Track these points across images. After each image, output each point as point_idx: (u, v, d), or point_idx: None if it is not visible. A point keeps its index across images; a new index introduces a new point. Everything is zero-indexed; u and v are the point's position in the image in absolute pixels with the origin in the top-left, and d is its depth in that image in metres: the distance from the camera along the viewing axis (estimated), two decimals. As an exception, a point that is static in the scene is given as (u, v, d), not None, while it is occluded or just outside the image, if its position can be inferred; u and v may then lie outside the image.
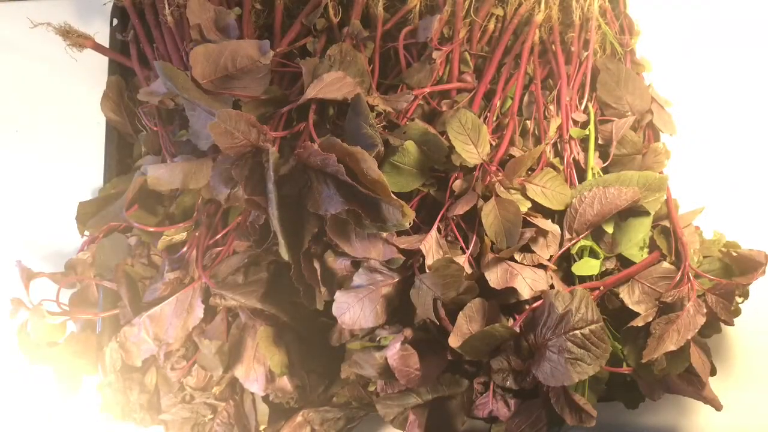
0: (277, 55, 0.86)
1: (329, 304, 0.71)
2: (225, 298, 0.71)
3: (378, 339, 0.66)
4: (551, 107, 0.86)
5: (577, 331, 0.66)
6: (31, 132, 1.09)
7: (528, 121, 0.86)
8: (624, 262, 0.80)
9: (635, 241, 0.79)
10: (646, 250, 0.81)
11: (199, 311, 0.74)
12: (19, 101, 1.11)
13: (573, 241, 0.76)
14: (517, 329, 0.68)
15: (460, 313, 0.64)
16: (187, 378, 0.75)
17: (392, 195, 0.63)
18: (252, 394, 0.76)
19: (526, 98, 0.87)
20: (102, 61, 0.98)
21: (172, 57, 0.89)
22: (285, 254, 0.67)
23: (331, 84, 0.77)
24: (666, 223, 0.81)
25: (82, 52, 0.93)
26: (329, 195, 0.66)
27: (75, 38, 0.92)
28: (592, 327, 0.66)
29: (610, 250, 0.79)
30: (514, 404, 0.68)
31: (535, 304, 0.70)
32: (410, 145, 0.75)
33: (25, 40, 1.11)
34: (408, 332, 0.63)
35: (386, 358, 0.64)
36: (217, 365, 0.71)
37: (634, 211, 0.79)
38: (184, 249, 0.78)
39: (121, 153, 0.96)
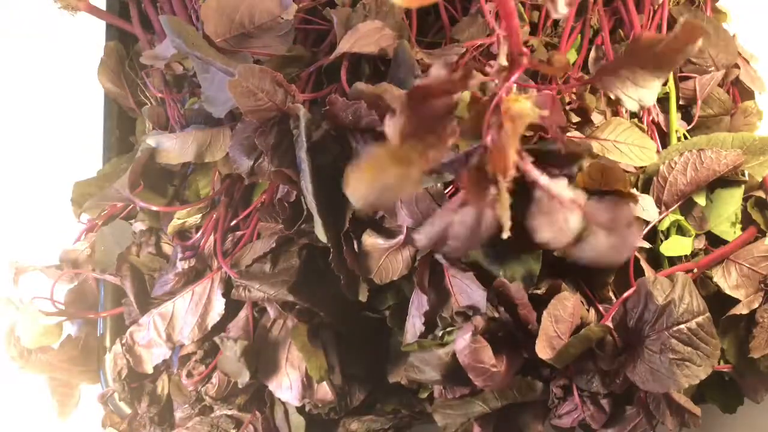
0: (300, 11, 0.75)
1: (373, 296, 0.60)
2: (250, 290, 0.60)
3: (440, 335, 0.54)
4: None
5: (683, 326, 0.54)
6: (21, 109, 0.98)
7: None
8: (713, 240, 0.68)
9: (726, 215, 0.68)
10: (738, 225, 0.69)
11: (219, 306, 0.63)
12: (6, 75, 1.00)
13: (662, 216, 0.64)
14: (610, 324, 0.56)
15: (545, 313, 0.52)
16: (206, 386, 0.63)
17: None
18: (284, 404, 0.64)
19: (592, 53, 0.75)
20: (99, 26, 0.86)
21: (180, 17, 0.78)
22: (322, 235, 0.56)
23: (368, 35, 0.65)
24: (760, 193, 0.69)
25: (75, 16, 0.81)
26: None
27: (67, 0, 0.81)
28: (699, 319, 0.54)
29: (700, 227, 0.67)
30: (608, 408, 0.56)
31: (626, 294, 0.58)
32: (466, 95, 0.64)
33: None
34: (478, 321, 0.50)
35: (453, 355, 0.52)
36: (242, 370, 0.59)
37: (722, 181, 0.68)
38: (199, 234, 0.67)
39: (122, 129, 0.84)
